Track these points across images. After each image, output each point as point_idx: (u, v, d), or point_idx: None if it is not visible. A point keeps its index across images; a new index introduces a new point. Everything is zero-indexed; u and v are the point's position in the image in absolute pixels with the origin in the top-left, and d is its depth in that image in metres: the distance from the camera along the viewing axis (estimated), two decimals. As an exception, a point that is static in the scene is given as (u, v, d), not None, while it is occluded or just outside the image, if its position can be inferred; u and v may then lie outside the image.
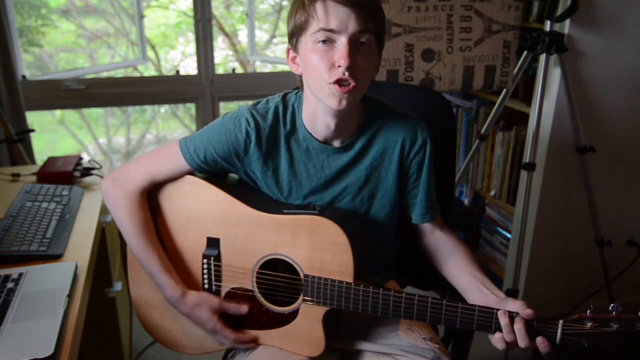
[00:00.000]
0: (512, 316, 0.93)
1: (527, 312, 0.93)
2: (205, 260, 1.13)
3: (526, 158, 1.87)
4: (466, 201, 2.67)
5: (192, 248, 1.14)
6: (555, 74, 1.90)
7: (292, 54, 1.04)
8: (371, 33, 0.96)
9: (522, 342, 0.92)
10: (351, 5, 0.92)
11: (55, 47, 2.72)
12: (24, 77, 2.34)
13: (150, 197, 1.15)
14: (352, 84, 0.95)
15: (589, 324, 0.91)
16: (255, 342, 1.13)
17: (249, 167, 1.11)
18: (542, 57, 1.81)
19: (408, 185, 1.14)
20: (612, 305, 0.91)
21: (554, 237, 2.15)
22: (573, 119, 1.92)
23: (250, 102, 1.12)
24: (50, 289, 1.06)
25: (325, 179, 1.11)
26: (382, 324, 1.16)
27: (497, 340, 0.95)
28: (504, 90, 2.01)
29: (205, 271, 1.14)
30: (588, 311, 0.92)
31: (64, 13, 2.66)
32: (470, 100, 2.53)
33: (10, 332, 0.94)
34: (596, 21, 1.87)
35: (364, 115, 1.09)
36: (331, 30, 0.93)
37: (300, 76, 1.05)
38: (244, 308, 1.11)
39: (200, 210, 1.12)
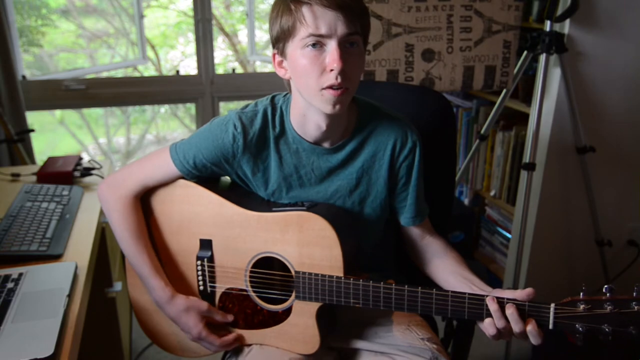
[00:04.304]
0: (501, 302, 0.93)
1: (526, 290, 0.92)
2: (199, 262, 1.14)
3: (526, 158, 1.87)
4: (466, 201, 2.67)
5: (186, 251, 1.15)
6: (555, 74, 1.90)
7: (278, 58, 1.02)
8: (359, 34, 0.96)
9: (516, 326, 0.91)
10: (339, 8, 0.92)
11: (55, 47, 2.72)
12: (24, 77, 2.34)
13: (144, 201, 1.16)
14: (345, 87, 0.95)
15: (582, 307, 0.89)
16: (241, 340, 1.13)
17: (239, 170, 1.12)
18: (542, 57, 1.81)
19: (397, 189, 1.14)
20: (605, 286, 0.89)
21: (554, 237, 2.15)
22: (573, 119, 1.92)
23: (245, 102, 1.13)
24: (50, 289, 1.06)
25: (315, 181, 1.11)
26: (379, 323, 1.16)
27: (487, 325, 0.94)
28: (504, 90, 2.01)
29: (200, 273, 1.14)
30: (581, 294, 0.90)
31: (64, 13, 2.66)
32: (470, 100, 2.53)
33: (10, 332, 0.94)
34: (596, 21, 1.87)
35: (355, 118, 1.09)
36: (321, 35, 0.93)
37: (288, 80, 1.04)
38: (230, 317, 1.12)
39: (192, 213, 1.13)
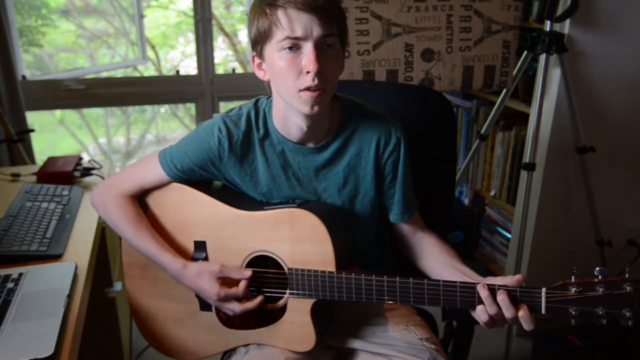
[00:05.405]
0: (492, 289, 0.93)
1: (516, 277, 0.92)
2: None
3: (526, 158, 1.87)
4: (466, 201, 2.67)
5: (181, 253, 1.15)
6: (555, 74, 1.90)
7: (257, 60, 1.03)
8: (335, 36, 0.96)
9: (508, 312, 0.91)
10: (313, 10, 0.92)
11: (55, 47, 2.73)
12: (24, 77, 2.34)
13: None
14: (322, 88, 0.96)
15: (573, 290, 0.88)
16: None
17: (227, 173, 1.13)
18: (542, 57, 1.81)
19: (385, 186, 1.14)
20: (597, 268, 0.88)
21: (554, 237, 2.15)
22: (573, 119, 1.92)
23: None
24: (50, 289, 1.06)
25: (304, 181, 1.12)
26: (377, 322, 1.16)
27: (479, 312, 0.94)
28: (504, 90, 2.01)
29: None
30: (572, 277, 0.90)
31: (64, 13, 2.66)
32: (470, 100, 2.53)
33: (10, 332, 0.94)
34: (596, 21, 1.87)
35: (339, 117, 1.10)
36: (297, 38, 0.93)
37: (268, 82, 1.05)
38: (247, 272, 1.06)
39: (186, 215, 1.13)
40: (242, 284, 1.06)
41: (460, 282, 0.95)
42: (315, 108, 0.97)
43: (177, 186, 1.14)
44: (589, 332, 2.09)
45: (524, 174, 1.91)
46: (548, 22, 1.80)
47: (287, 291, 1.07)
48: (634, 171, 2.12)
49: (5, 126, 2.08)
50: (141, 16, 2.66)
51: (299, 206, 1.06)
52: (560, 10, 1.80)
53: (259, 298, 1.07)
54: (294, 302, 1.07)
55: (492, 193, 2.42)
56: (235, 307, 1.07)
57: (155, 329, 1.22)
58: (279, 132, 1.08)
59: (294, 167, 1.11)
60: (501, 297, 0.91)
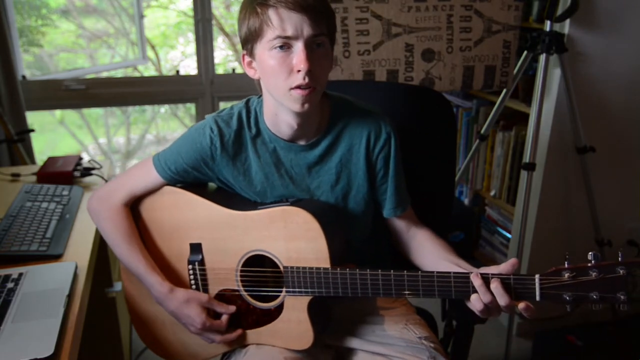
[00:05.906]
0: (486, 278, 0.92)
1: (510, 261, 0.92)
2: (190, 266, 1.14)
3: (526, 158, 1.87)
4: (466, 201, 2.67)
5: (177, 256, 1.16)
6: (555, 74, 1.90)
7: (247, 59, 1.04)
8: (325, 35, 0.97)
9: (502, 300, 0.91)
10: (304, 10, 0.93)
11: (55, 47, 2.73)
12: (24, 77, 2.34)
13: (134, 211, 1.18)
14: (312, 86, 0.97)
15: (567, 275, 0.88)
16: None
17: (220, 173, 1.13)
18: (542, 57, 1.81)
19: (377, 181, 1.14)
20: (590, 253, 0.88)
21: (554, 237, 2.15)
22: (573, 119, 1.92)
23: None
24: (50, 289, 1.06)
25: (297, 178, 1.12)
26: (376, 321, 1.16)
27: (474, 301, 0.94)
28: (504, 90, 2.01)
29: (192, 277, 1.15)
30: (565, 262, 0.90)
31: (64, 13, 2.66)
32: (470, 100, 2.53)
33: (10, 332, 0.94)
34: (596, 21, 1.87)
35: (329, 114, 1.10)
36: (287, 37, 0.94)
37: (258, 80, 1.06)
38: (231, 308, 1.12)
39: (181, 218, 1.14)
40: (225, 318, 1.11)
41: (454, 273, 0.96)
42: (306, 106, 0.98)
43: (171, 189, 1.14)
44: (589, 331, 2.10)
45: (524, 174, 1.91)
46: (548, 22, 1.80)
47: (284, 289, 1.07)
48: (634, 171, 2.12)
49: (5, 126, 2.09)
50: (141, 16, 2.66)
51: (292, 204, 1.06)
52: (560, 10, 1.80)
53: (238, 331, 1.12)
54: (291, 300, 1.07)
55: (492, 193, 2.42)
56: (216, 338, 1.12)
57: (154, 332, 1.22)
58: (270, 130, 1.09)
59: (287, 165, 1.11)
60: (494, 284, 0.91)
